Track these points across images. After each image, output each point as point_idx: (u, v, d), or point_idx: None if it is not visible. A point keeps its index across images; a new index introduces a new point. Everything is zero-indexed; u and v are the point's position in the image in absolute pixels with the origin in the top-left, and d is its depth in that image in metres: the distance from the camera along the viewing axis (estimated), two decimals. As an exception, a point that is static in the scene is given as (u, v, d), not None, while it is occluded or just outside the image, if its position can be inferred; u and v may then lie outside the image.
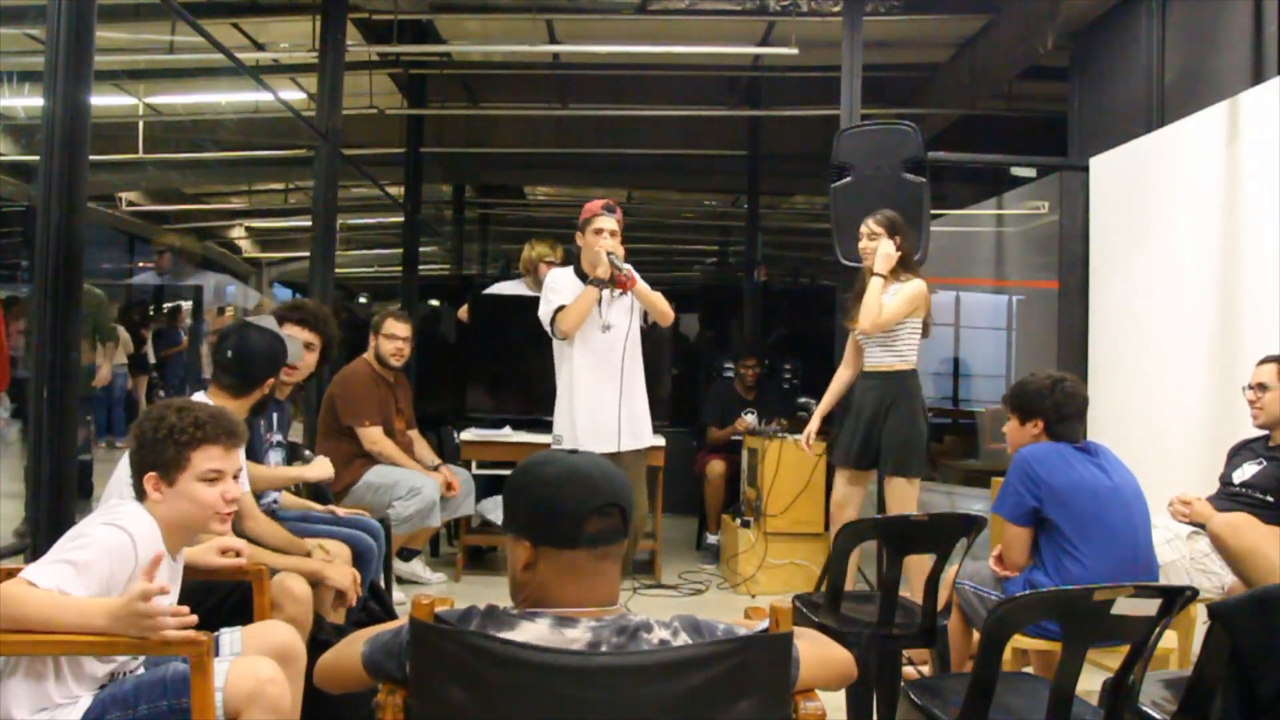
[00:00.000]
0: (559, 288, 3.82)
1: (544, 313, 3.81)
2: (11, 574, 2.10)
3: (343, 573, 2.77)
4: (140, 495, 2.03)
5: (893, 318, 3.83)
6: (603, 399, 3.78)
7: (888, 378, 3.91)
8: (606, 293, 3.76)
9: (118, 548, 1.86)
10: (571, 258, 4.09)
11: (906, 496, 3.87)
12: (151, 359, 10.39)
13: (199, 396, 2.67)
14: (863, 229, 3.95)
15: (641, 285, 3.74)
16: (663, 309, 3.81)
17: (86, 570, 1.80)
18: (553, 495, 1.44)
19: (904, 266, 3.91)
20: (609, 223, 3.75)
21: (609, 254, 3.67)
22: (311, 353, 3.27)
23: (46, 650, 1.78)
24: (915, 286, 3.87)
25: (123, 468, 2.18)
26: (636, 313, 3.86)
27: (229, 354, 2.71)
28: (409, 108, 7.95)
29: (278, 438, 3.19)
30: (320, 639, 2.52)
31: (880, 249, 3.87)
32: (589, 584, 1.43)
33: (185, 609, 1.80)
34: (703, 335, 9.25)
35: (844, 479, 4.04)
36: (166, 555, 1.98)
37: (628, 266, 3.73)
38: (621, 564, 1.49)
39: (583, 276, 3.80)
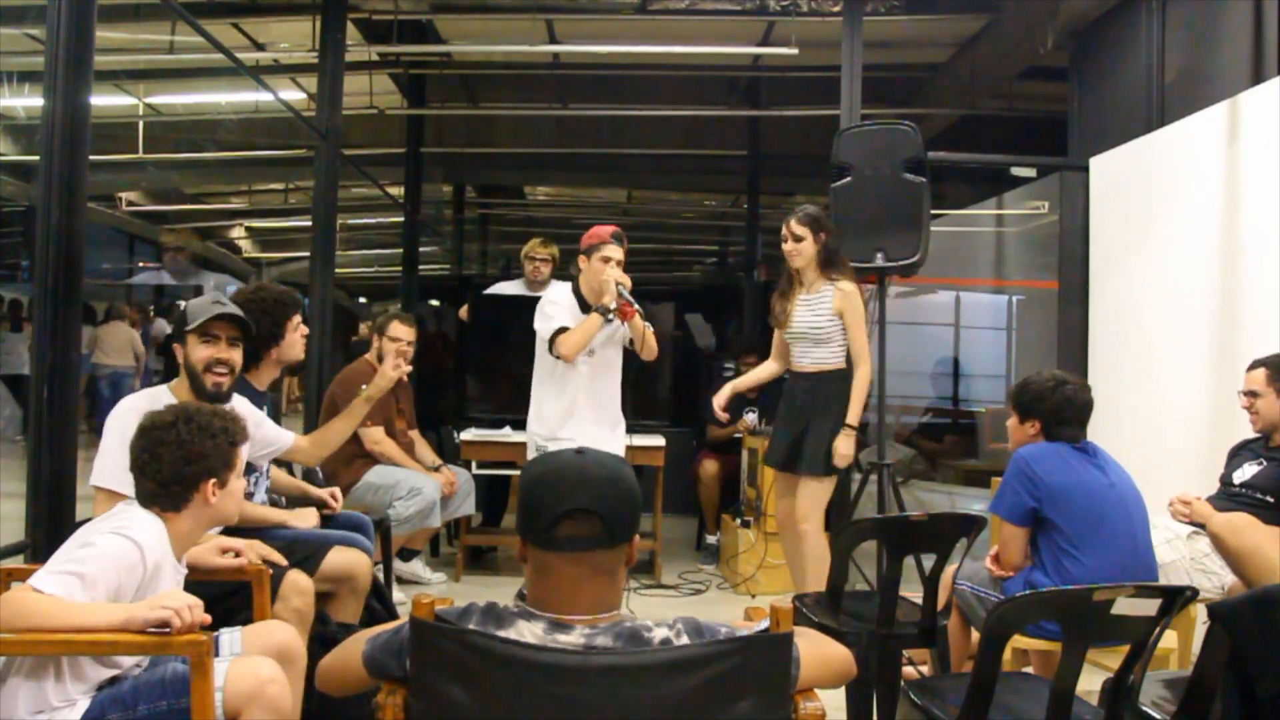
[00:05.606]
0: (559, 304, 3.80)
1: (542, 330, 3.78)
2: (12, 574, 2.10)
3: (303, 514, 2.93)
4: (166, 503, 1.99)
5: (863, 346, 3.82)
6: (567, 421, 3.79)
7: (820, 378, 3.87)
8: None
9: (126, 559, 1.84)
10: (567, 255, 4.09)
11: (820, 495, 3.86)
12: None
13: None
14: (784, 230, 3.90)
15: (638, 319, 3.73)
16: (651, 345, 3.78)
17: (94, 584, 1.78)
18: (531, 493, 1.44)
19: (832, 265, 3.87)
20: (617, 252, 3.75)
21: (619, 285, 3.68)
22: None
23: (48, 650, 1.77)
24: (855, 297, 3.84)
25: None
26: (620, 343, 3.87)
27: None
28: (409, 108, 7.96)
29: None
30: (328, 635, 2.52)
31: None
32: (570, 591, 1.40)
33: (200, 603, 1.80)
34: (703, 335, 9.25)
35: (781, 482, 3.99)
36: (171, 559, 1.98)
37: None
38: (616, 575, 1.44)
39: (581, 299, 3.80)
